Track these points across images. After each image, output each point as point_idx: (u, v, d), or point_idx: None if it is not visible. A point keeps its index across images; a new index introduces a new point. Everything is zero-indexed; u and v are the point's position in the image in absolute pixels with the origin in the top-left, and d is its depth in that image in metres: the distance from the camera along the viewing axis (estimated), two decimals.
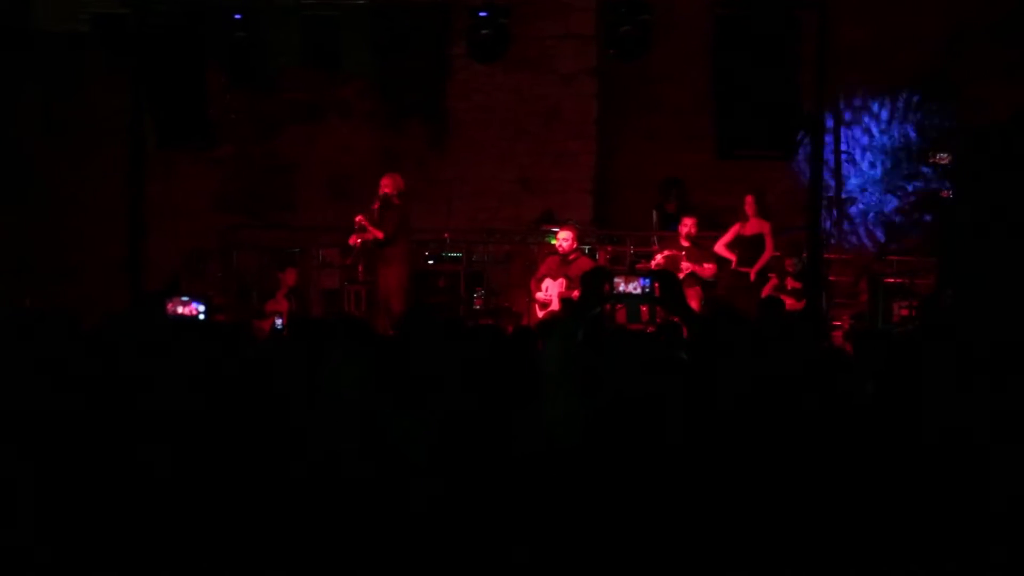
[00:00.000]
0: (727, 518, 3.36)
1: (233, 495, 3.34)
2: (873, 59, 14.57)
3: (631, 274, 4.89)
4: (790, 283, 12.61)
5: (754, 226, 12.60)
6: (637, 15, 11.36)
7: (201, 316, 6.20)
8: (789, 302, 12.30)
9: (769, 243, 12.56)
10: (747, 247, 12.62)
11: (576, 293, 11.48)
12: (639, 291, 4.81)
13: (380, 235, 12.01)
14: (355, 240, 12.31)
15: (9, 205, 15.49)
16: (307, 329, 4.00)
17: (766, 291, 12.50)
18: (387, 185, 12.22)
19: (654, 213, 15.50)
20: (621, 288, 4.91)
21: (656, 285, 4.88)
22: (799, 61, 10.70)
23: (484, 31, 11.75)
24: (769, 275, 12.66)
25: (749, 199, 12.67)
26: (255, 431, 3.52)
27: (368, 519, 3.29)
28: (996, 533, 3.26)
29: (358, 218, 12.11)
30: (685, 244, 12.73)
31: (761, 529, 3.34)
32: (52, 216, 15.69)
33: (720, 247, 12.78)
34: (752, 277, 12.55)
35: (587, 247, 13.85)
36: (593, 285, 4.81)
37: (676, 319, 6.06)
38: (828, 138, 13.75)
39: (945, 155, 12.28)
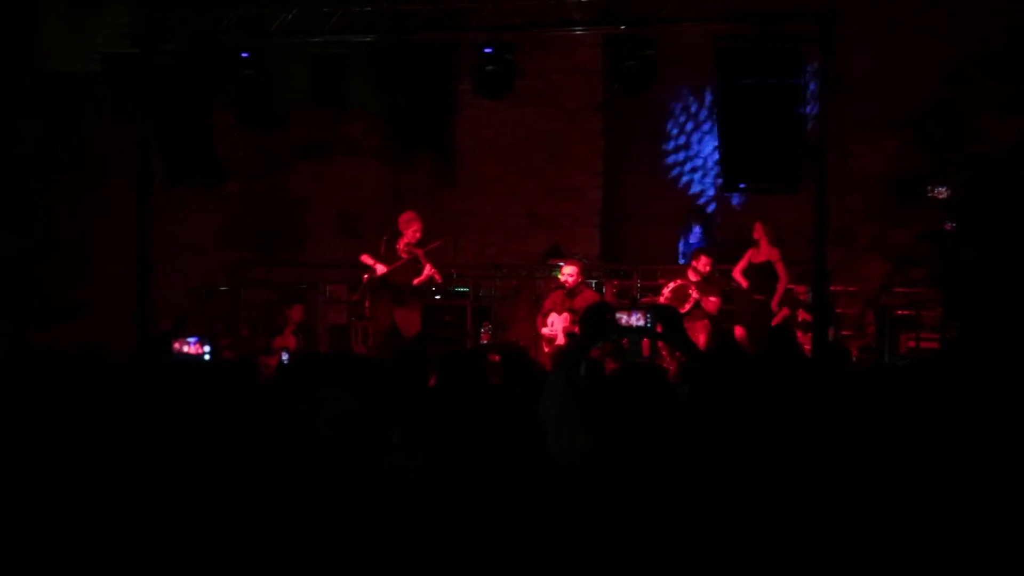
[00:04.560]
0: (730, 550, 3.36)
1: (227, 534, 3.35)
2: (877, 91, 14.59)
3: (633, 308, 4.86)
4: (802, 315, 12.58)
5: (763, 254, 12.57)
6: (641, 50, 11.39)
7: (206, 356, 6.21)
8: (798, 334, 12.28)
9: (780, 271, 12.51)
10: (757, 275, 12.57)
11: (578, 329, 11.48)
12: (639, 324, 4.81)
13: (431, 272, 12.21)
14: (365, 277, 12.39)
15: (16, 242, 15.53)
16: (300, 368, 4.01)
17: (777, 322, 12.46)
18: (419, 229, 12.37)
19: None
20: (623, 322, 4.90)
21: (658, 320, 4.87)
22: (803, 94, 10.72)
23: (490, 67, 11.79)
24: (783, 307, 12.62)
25: (758, 225, 12.66)
26: (249, 468, 3.53)
27: (366, 552, 3.30)
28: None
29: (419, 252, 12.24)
30: (695, 277, 12.68)
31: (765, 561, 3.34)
32: (59, 253, 15.73)
33: (736, 273, 12.78)
34: (774, 307, 12.50)
35: (594, 281, 13.85)
36: (594, 320, 4.81)
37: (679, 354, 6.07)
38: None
39: (943, 189, 12.29)
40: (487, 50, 11.74)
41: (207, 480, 3.53)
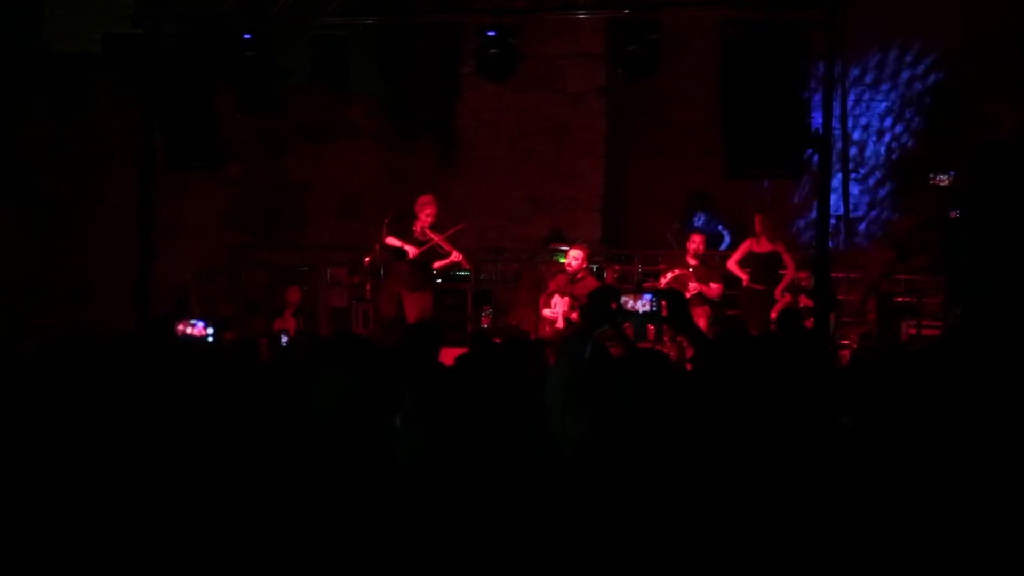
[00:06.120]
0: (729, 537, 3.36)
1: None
2: (881, 78, 14.57)
3: (638, 292, 4.82)
4: (803, 301, 12.59)
5: (767, 244, 12.63)
6: (645, 34, 11.33)
7: (210, 338, 6.18)
8: None
9: (788, 260, 12.58)
10: (761, 264, 12.63)
11: (575, 315, 11.56)
12: (646, 309, 4.77)
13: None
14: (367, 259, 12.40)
15: (20, 225, 15.51)
16: (299, 350, 3.99)
17: (778, 310, 12.50)
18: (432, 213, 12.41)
19: (675, 227, 15.36)
20: (628, 306, 4.86)
21: (663, 303, 4.84)
22: (808, 79, 10.69)
23: (493, 50, 11.72)
24: (785, 294, 12.65)
25: (758, 218, 12.74)
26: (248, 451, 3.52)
27: (363, 538, 3.29)
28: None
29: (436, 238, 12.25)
30: (692, 263, 12.74)
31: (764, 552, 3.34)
32: (63, 236, 15.71)
33: (732, 264, 12.81)
34: (777, 295, 12.55)
35: (595, 266, 13.85)
36: (599, 303, 4.79)
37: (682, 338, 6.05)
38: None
39: (944, 177, 12.26)
40: (490, 33, 11.68)
41: (209, 460, 3.53)
